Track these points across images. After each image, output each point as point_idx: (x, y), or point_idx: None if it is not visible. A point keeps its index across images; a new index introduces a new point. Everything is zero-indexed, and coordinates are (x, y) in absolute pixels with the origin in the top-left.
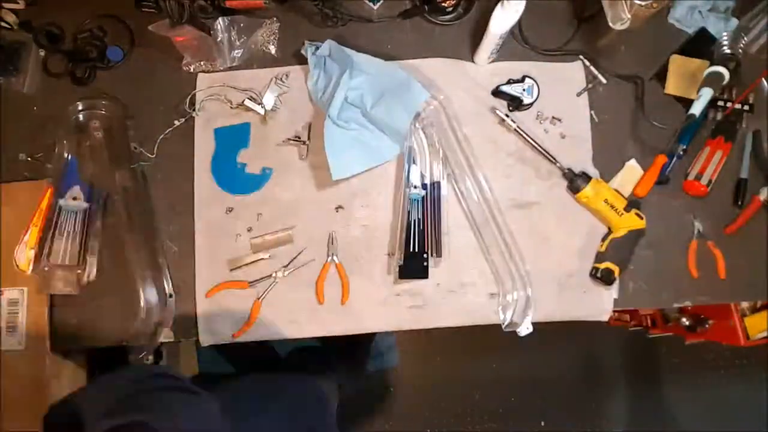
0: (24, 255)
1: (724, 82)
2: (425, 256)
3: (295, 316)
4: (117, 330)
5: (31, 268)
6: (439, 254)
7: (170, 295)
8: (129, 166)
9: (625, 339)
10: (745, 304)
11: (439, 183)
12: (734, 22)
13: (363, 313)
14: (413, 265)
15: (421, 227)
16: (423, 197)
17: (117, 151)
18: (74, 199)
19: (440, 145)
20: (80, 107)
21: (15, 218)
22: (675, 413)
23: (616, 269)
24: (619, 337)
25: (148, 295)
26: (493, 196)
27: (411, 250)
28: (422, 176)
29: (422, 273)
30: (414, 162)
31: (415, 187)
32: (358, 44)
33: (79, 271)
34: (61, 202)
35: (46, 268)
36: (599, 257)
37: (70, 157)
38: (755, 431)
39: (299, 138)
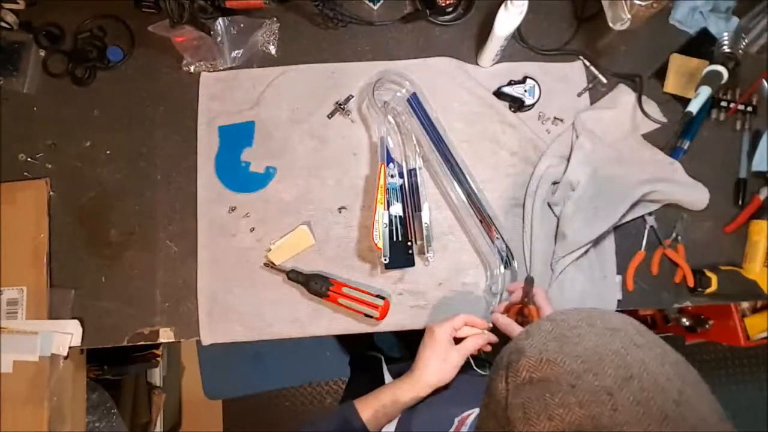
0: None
1: (723, 81)
2: (409, 244)
3: (297, 315)
4: (117, 330)
5: None
6: (422, 242)
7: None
8: None
9: None
10: (745, 305)
11: (415, 170)
12: (735, 21)
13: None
14: (398, 254)
15: (402, 216)
16: (401, 186)
17: None
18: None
19: (412, 132)
20: None
21: (15, 217)
22: None
23: (714, 278)
24: None
25: None
26: (466, 178)
27: (394, 240)
28: (398, 165)
29: (407, 262)
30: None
31: (392, 176)
32: (358, 45)
33: None
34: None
35: None
36: (716, 269)
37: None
38: (755, 431)
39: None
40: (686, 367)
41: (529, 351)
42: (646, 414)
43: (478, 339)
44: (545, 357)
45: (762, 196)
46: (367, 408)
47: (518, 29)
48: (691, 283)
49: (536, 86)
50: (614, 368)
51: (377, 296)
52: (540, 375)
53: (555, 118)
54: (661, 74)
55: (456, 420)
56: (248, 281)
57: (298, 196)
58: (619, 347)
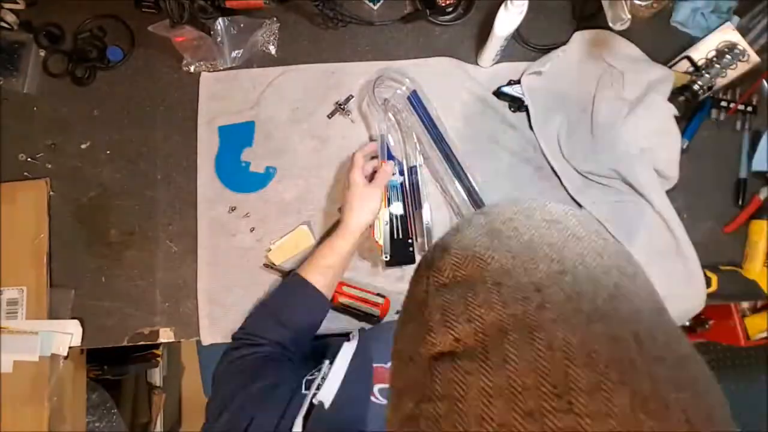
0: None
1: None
2: (410, 241)
3: None
4: (117, 330)
5: None
6: (423, 239)
7: None
8: None
9: None
10: (745, 305)
11: (416, 167)
12: (736, 21)
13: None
14: (399, 251)
15: (403, 213)
16: (401, 183)
17: None
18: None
19: (412, 129)
20: None
21: (15, 217)
22: None
23: (714, 278)
24: None
25: None
26: (467, 175)
27: (395, 237)
28: (398, 162)
29: (409, 259)
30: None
31: (393, 174)
32: (358, 45)
33: None
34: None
35: None
36: (716, 269)
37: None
38: (755, 431)
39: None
40: (627, 258)
41: (455, 247)
42: (576, 310)
43: (386, 167)
44: (472, 253)
45: (762, 196)
46: (311, 269)
47: (518, 29)
48: None
49: None
50: (547, 262)
51: (378, 295)
52: (464, 273)
53: None
54: None
55: None
56: (248, 281)
57: (298, 196)
58: (557, 240)
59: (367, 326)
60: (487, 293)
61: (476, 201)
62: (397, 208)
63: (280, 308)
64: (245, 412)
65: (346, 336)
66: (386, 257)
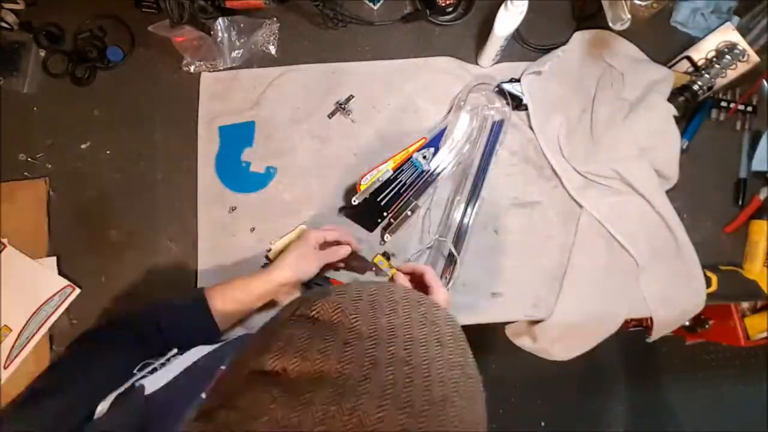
0: None
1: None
2: (384, 215)
3: None
4: None
5: None
6: (393, 224)
7: None
8: None
9: (625, 339)
10: (745, 305)
11: (439, 173)
12: (736, 21)
13: None
14: (366, 212)
15: (401, 191)
16: (421, 171)
17: None
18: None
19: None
20: None
21: (15, 217)
22: (675, 413)
23: (714, 278)
24: (619, 337)
25: None
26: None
27: (374, 198)
28: (434, 155)
29: (368, 226)
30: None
31: (425, 157)
32: (358, 45)
33: None
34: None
35: None
36: (716, 269)
37: None
38: (755, 431)
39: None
40: (476, 383)
41: (334, 297)
42: (392, 396)
43: (339, 249)
44: (343, 308)
45: (762, 196)
46: (217, 294)
47: (518, 29)
48: None
49: None
50: (399, 349)
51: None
52: (326, 318)
53: None
54: None
55: None
56: None
57: (298, 196)
58: (420, 336)
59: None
60: (332, 344)
61: (460, 237)
62: (400, 181)
63: (166, 315)
64: (74, 375)
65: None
66: (355, 202)
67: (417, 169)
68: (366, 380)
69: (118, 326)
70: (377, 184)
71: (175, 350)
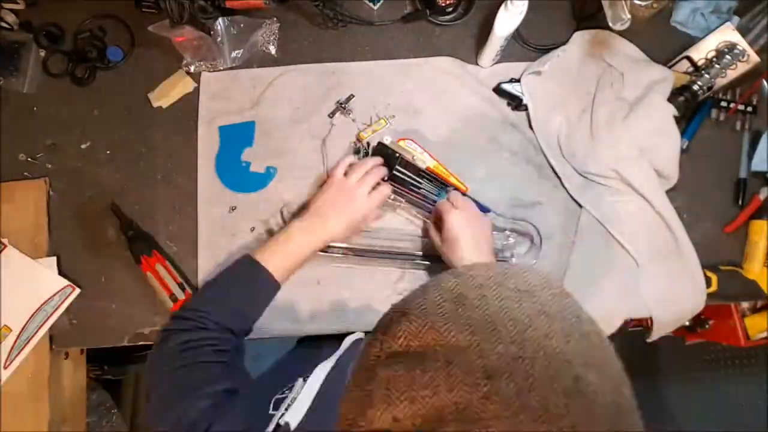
0: None
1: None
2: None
3: (297, 313)
4: (117, 330)
5: None
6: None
7: None
8: None
9: (625, 339)
10: (745, 305)
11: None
12: (736, 21)
13: (364, 311)
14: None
15: (409, 185)
16: (434, 200)
17: None
18: None
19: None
20: None
21: (15, 217)
22: (675, 413)
23: (714, 278)
24: (619, 337)
25: None
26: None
27: (396, 156)
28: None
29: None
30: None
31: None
32: (358, 45)
33: None
34: None
35: None
36: (716, 269)
37: None
38: (755, 431)
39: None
40: (599, 341)
41: (415, 313)
42: (523, 407)
43: (384, 190)
44: (430, 324)
45: (762, 196)
46: (268, 258)
47: (518, 29)
48: None
49: None
50: (506, 344)
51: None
52: (418, 344)
53: None
54: None
55: None
56: None
57: (298, 196)
58: (523, 316)
59: (361, 336)
60: (435, 372)
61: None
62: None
63: (227, 290)
64: (203, 416)
65: (338, 338)
66: (380, 142)
67: (434, 195)
68: (486, 400)
69: (199, 327)
70: (407, 155)
71: (300, 380)
